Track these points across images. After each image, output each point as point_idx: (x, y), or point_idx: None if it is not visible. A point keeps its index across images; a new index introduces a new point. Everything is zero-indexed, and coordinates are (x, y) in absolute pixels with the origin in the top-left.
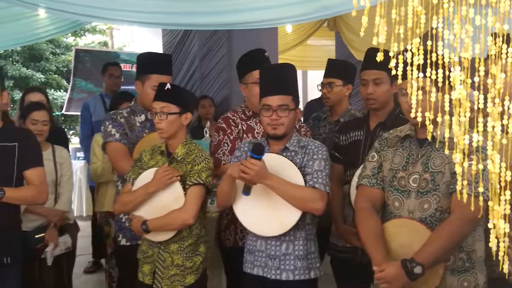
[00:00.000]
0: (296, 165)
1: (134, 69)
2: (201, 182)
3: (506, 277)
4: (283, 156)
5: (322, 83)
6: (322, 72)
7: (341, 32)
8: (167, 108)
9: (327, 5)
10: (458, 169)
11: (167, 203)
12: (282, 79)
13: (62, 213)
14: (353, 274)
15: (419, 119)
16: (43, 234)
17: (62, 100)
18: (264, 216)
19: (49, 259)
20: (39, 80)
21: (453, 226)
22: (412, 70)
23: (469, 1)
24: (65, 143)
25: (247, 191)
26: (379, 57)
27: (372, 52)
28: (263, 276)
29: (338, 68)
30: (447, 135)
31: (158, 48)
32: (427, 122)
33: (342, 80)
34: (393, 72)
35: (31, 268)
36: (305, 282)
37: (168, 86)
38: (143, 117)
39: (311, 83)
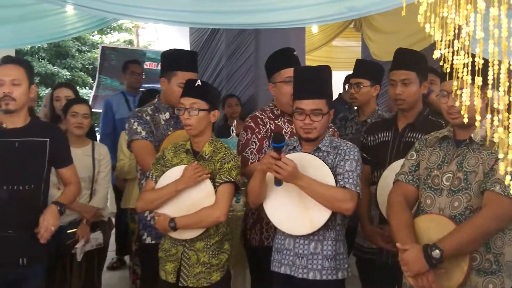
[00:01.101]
0: (327, 165)
1: (159, 67)
2: (232, 180)
3: None
4: (315, 155)
5: (350, 83)
6: (347, 73)
7: (363, 30)
8: (198, 104)
9: (355, 6)
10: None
11: (197, 200)
12: (317, 83)
13: (95, 210)
14: (379, 275)
15: (466, 120)
16: (75, 230)
17: (87, 98)
18: (294, 214)
19: (79, 255)
20: (64, 77)
21: (480, 220)
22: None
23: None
24: (93, 139)
25: (278, 182)
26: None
27: (401, 52)
28: (290, 275)
29: (366, 69)
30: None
31: (185, 47)
32: (477, 118)
33: (370, 80)
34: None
35: (62, 263)
36: (332, 282)
37: (199, 82)
38: (167, 114)
39: (336, 84)
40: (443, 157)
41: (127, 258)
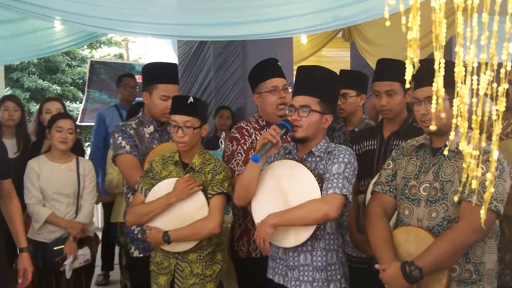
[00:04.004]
0: (319, 171)
1: None
2: (224, 191)
3: None
4: (307, 160)
5: None
6: None
7: (356, 42)
8: (191, 122)
9: (340, 16)
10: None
11: (190, 213)
12: (311, 81)
13: (81, 226)
14: (368, 284)
15: (433, 128)
16: (62, 246)
17: (77, 112)
18: (281, 227)
19: (68, 272)
20: (55, 92)
21: (456, 233)
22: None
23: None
24: (81, 154)
25: (262, 151)
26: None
27: (383, 63)
28: (284, 286)
29: (351, 79)
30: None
31: (173, 60)
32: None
33: (356, 90)
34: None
35: (49, 281)
36: None
37: (191, 99)
38: (151, 128)
39: None
40: (420, 166)
41: (112, 273)
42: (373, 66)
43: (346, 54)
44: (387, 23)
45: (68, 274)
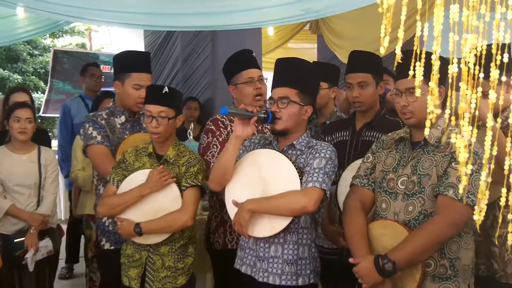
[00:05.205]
0: (300, 164)
1: (113, 71)
2: (198, 184)
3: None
4: (288, 153)
5: None
6: None
7: (324, 35)
8: (166, 112)
9: (311, 8)
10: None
11: (163, 205)
12: (289, 72)
13: (42, 218)
14: (339, 276)
15: (413, 121)
16: (22, 239)
17: (39, 102)
18: (255, 216)
19: (30, 265)
20: (16, 81)
21: (431, 227)
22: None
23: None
24: (48, 144)
25: (234, 111)
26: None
27: (356, 55)
28: (251, 276)
29: (323, 71)
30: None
31: (139, 49)
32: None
33: (328, 82)
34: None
35: (11, 274)
36: None
37: (166, 89)
38: (123, 118)
39: None
40: (399, 159)
41: (76, 266)
42: (342, 58)
43: (313, 46)
44: (361, 5)
45: (30, 267)
